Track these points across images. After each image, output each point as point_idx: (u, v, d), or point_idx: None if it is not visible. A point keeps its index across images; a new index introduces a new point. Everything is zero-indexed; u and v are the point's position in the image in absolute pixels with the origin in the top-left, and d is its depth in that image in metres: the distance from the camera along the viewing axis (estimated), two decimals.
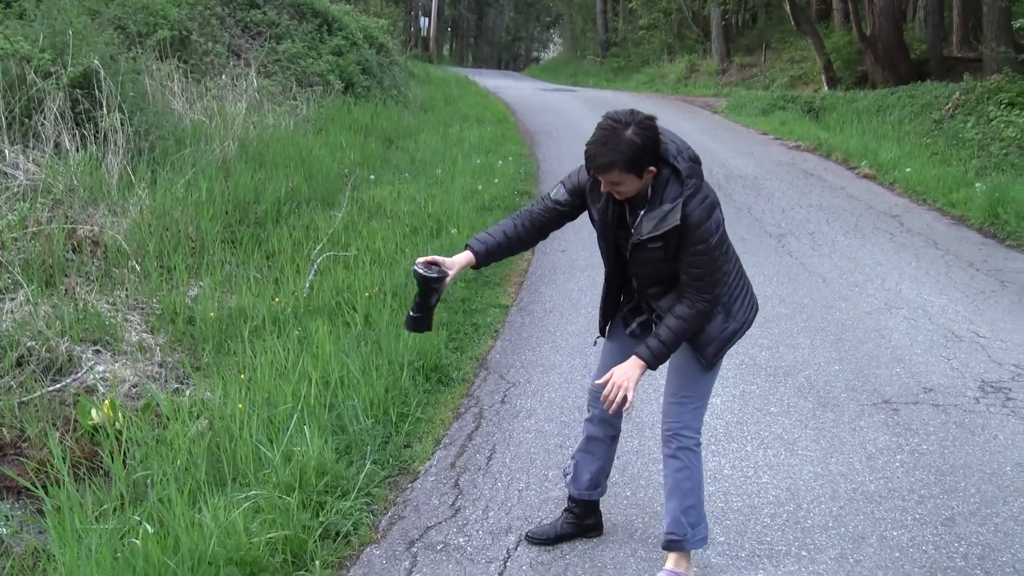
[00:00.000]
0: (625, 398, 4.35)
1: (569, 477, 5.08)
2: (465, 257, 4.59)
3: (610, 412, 4.46)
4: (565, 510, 5.13)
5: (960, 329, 8.56)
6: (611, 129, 4.05)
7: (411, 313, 4.60)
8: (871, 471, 5.89)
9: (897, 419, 6.64)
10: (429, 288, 4.51)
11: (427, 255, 4.57)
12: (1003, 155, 16.18)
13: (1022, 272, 10.64)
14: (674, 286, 4.41)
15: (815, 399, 6.99)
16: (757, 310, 4.69)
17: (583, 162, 4.30)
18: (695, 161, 4.27)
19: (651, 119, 4.12)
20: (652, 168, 4.12)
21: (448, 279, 4.50)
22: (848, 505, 5.47)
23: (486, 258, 4.63)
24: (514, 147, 19.07)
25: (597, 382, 4.60)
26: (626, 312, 4.78)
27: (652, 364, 4.41)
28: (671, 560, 4.68)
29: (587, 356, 7.63)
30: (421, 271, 4.45)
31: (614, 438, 4.98)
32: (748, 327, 4.63)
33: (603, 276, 4.76)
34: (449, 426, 6.55)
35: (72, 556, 4.20)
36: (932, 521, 5.30)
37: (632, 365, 4.40)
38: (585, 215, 4.65)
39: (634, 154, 4.03)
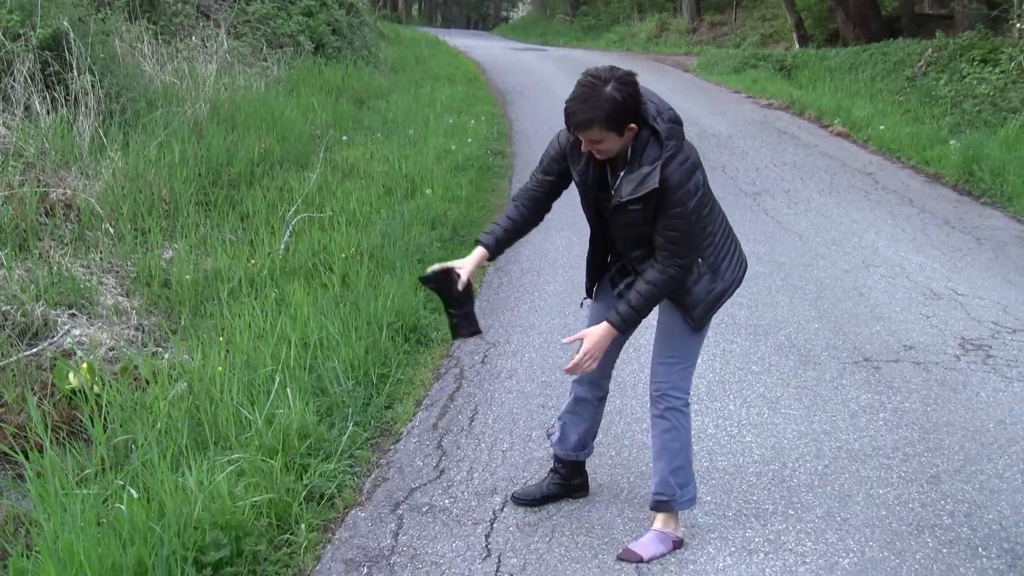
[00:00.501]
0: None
1: (555, 438, 5.05)
2: (477, 253, 4.57)
3: (575, 373, 4.50)
4: (551, 471, 5.10)
5: (938, 287, 8.56)
6: (591, 86, 4.00)
7: (451, 321, 4.61)
8: (855, 429, 5.89)
9: (879, 377, 6.64)
10: (442, 290, 4.54)
11: (437, 264, 4.56)
12: (976, 112, 16.16)
13: (998, 229, 10.66)
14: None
15: (796, 357, 6.98)
16: (746, 268, 4.67)
17: (563, 125, 4.25)
18: (676, 122, 4.20)
19: (631, 75, 4.07)
20: (633, 125, 4.09)
21: (464, 277, 4.47)
22: (833, 463, 5.47)
23: (497, 248, 4.61)
24: (486, 107, 18.97)
25: (565, 340, 4.58)
26: (614, 273, 4.73)
27: (623, 329, 4.42)
28: (659, 520, 4.67)
29: (566, 316, 7.61)
30: (424, 276, 4.53)
31: (602, 399, 4.95)
32: (737, 286, 4.60)
33: (584, 237, 4.73)
34: (430, 387, 6.52)
35: (57, 522, 4.15)
36: (917, 479, 5.30)
37: (603, 331, 4.40)
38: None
39: (614, 110, 3.98)
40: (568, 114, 4.07)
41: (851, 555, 4.58)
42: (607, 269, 4.75)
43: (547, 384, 6.49)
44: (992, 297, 8.28)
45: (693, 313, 4.47)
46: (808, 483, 5.25)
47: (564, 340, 4.63)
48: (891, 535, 4.75)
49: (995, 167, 12.63)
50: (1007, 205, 11.69)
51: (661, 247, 4.28)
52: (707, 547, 4.66)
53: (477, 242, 4.61)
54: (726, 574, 4.44)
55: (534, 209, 4.64)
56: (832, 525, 4.84)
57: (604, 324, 4.39)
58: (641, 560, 4.54)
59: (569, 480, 5.07)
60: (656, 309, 4.53)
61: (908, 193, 12.41)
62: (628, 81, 4.03)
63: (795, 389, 6.46)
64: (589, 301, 4.90)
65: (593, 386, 4.85)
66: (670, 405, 4.58)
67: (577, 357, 4.40)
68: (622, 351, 4.84)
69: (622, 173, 4.23)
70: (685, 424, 4.62)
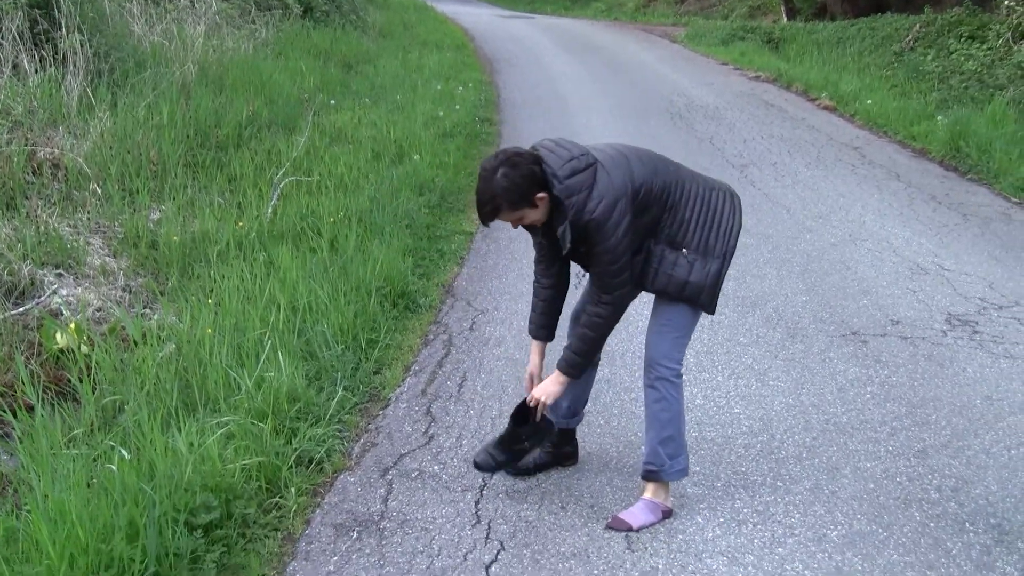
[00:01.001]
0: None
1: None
2: (536, 350, 4.87)
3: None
4: None
5: (925, 262, 8.57)
6: (485, 179, 4.19)
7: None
8: (842, 403, 5.90)
9: (866, 351, 6.65)
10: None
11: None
12: (963, 88, 16.14)
13: (984, 206, 10.66)
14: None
15: (784, 330, 6.99)
16: (740, 228, 4.62)
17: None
18: (575, 172, 4.24)
19: (517, 154, 4.24)
20: (541, 195, 4.22)
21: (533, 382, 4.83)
22: (821, 436, 5.49)
23: (548, 333, 4.85)
24: (474, 74, 18.91)
25: (527, 395, 4.75)
26: None
27: (572, 374, 4.58)
28: (649, 490, 4.69)
29: None
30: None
31: (593, 365, 4.95)
32: (732, 255, 4.57)
33: None
34: (418, 353, 6.52)
35: (47, 482, 4.14)
36: (905, 453, 5.32)
37: (554, 379, 4.60)
38: None
39: (510, 194, 4.16)
40: (477, 208, 4.28)
41: (839, 528, 4.60)
42: None
43: None
44: (978, 273, 8.29)
45: (700, 301, 4.51)
46: (796, 455, 5.27)
47: (526, 392, 4.79)
48: (878, 508, 4.77)
49: (981, 143, 12.62)
50: (993, 182, 11.68)
51: (592, 281, 4.48)
52: (696, 517, 4.67)
53: (532, 337, 4.89)
54: (715, 544, 4.46)
55: (554, 275, 4.77)
56: (820, 498, 4.85)
57: (555, 374, 4.58)
58: (631, 529, 4.56)
59: (560, 448, 5.08)
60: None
61: (895, 168, 12.40)
62: (514, 163, 4.18)
63: (783, 361, 6.48)
64: None
65: None
66: (660, 375, 4.58)
67: (532, 399, 4.64)
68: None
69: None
70: (676, 395, 4.61)
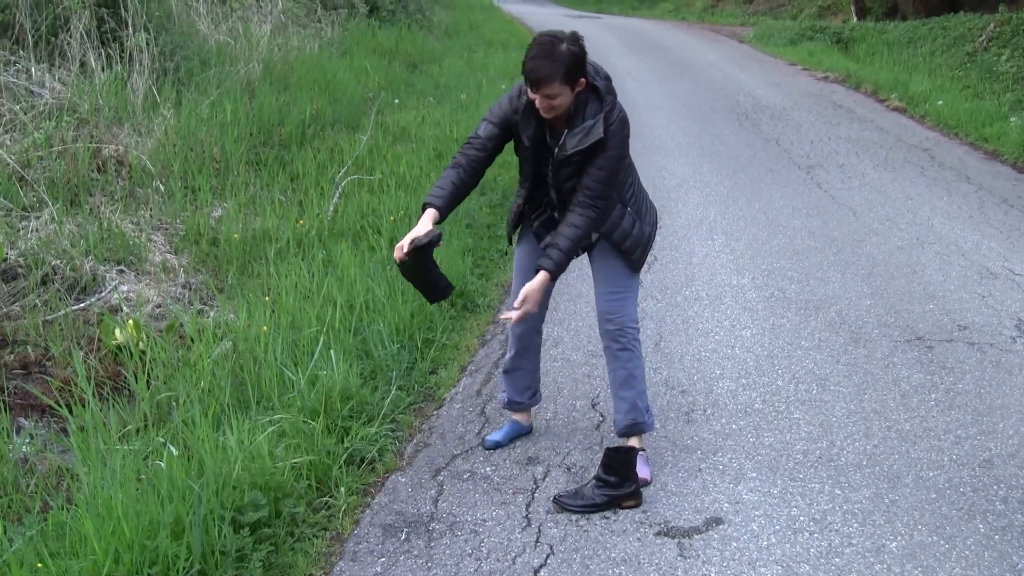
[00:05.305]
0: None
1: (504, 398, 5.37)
2: (430, 215, 4.62)
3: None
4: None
5: (995, 266, 8.40)
6: (549, 44, 4.35)
7: (429, 288, 4.86)
8: (905, 409, 5.78)
9: (931, 357, 6.52)
10: (423, 262, 4.67)
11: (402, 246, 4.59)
12: None
13: None
14: None
15: (847, 334, 6.87)
16: (656, 213, 5.11)
17: (507, 94, 4.70)
18: (609, 80, 4.64)
19: (578, 35, 4.47)
20: (583, 80, 4.45)
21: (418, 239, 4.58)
22: (882, 444, 5.37)
23: (446, 210, 4.70)
24: None
25: (516, 304, 4.68)
26: (537, 227, 4.99)
27: (557, 273, 4.69)
28: (636, 441, 5.04)
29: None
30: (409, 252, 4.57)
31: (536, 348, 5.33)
32: (656, 228, 5.03)
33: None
34: (475, 353, 6.49)
35: (96, 477, 4.14)
36: (969, 462, 5.19)
37: (541, 280, 4.64)
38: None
39: (571, 63, 4.33)
40: (530, 70, 4.36)
41: (899, 538, 4.50)
42: (530, 222, 5.02)
43: (593, 354, 6.41)
44: None
45: (633, 256, 4.89)
46: (856, 463, 5.16)
47: (515, 304, 4.67)
48: (941, 519, 4.66)
49: None
50: None
51: (586, 187, 4.62)
52: (751, 524, 4.58)
53: (426, 204, 4.65)
54: (769, 553, 4.37)
55: (473, 175, 4.76)
56: (880, 507, 4.75)
57: (542, 274, 4.64)
58: (647, 482, 4.89)
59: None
60: (589, 257, 5.01)
61: (965, 170, 12.19)
62: (577, 39, 4.43)
63: (845, 366, 6.36)
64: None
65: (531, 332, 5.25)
66: (634, 336, 4.97)
67: (517, 312, 4.65)
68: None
69: (566, 131, 4.59)
70: (641, 351, 5.05)
